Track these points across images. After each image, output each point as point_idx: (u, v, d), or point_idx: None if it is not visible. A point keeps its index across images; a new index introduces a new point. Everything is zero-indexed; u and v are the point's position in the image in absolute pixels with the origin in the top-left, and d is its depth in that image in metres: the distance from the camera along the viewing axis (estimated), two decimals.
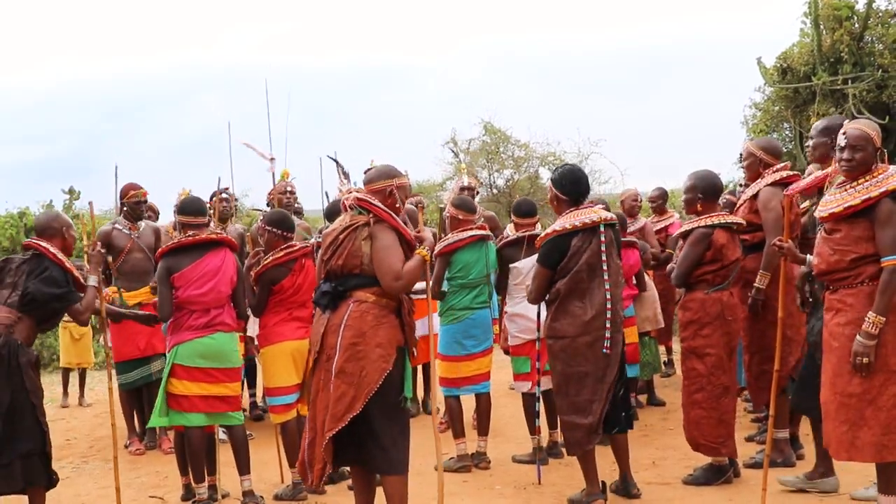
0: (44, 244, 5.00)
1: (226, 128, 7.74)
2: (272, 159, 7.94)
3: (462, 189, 8.15)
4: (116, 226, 7.39)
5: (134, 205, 7.40)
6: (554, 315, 5.05)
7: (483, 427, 6.22)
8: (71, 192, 19.56)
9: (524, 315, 6.03)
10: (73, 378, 10.16)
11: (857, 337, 4.04)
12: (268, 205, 8.53)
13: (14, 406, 4.77)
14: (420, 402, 8.02)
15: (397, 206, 4.50)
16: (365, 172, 5.08)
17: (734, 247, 5.26)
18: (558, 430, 6.19)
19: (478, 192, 8.72)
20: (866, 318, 4.01)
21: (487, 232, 6.26)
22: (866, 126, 4.19)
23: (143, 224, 7.52)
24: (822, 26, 13.51)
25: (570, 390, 4.97)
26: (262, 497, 5.57)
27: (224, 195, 7.88)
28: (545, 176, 21.53)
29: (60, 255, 5.01)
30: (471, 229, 6.13)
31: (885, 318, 3.98)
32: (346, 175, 9.10)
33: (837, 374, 4.15)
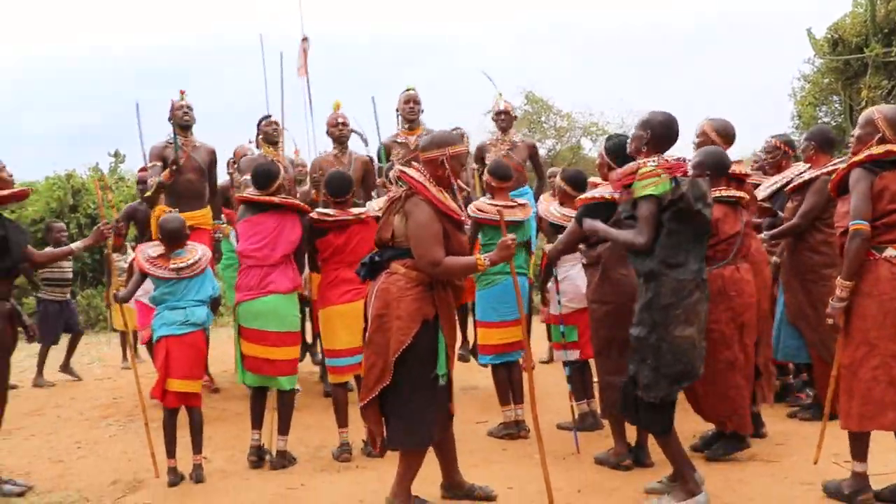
0: None
1: (267, 95, 7.82)
2: (304, 39, 7.98)
3: (498, 114, 8.18)
4: (170, 142, 7.42)
5: (178, 113, 7.42)
6: (599, 282, 5.09)
7: (518, 395, 6.23)
8: (116, 155, 19.84)
9: (574, 283, 6.00)
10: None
11: (830, 300, 4.38)
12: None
13: None
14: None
15: (448, 176, 4.45)
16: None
17: (733, 220, 5.17)
18: (595, 399, 6.23)
19: (515, 117, 8.72)
20: (836, 283, 4.33)
21: (522, 217, 6.19)
22: (874, 108, 4.42)
23: (198, 141, 7.58)
24: None
25: (613, 353, 5.02)
26: (294, 458, 5.72)
27: (272, 119, 8.01)
28: (587, 146, 21.43)
29: None
30: (509, 207, 6.08)
31: (850, 283, 4.25)
32: (366, 140, 9.19)
33: (837, 346, 4.48)
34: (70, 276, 9.61)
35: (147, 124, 7.44)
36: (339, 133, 7.74)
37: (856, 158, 4.29)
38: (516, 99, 22.01)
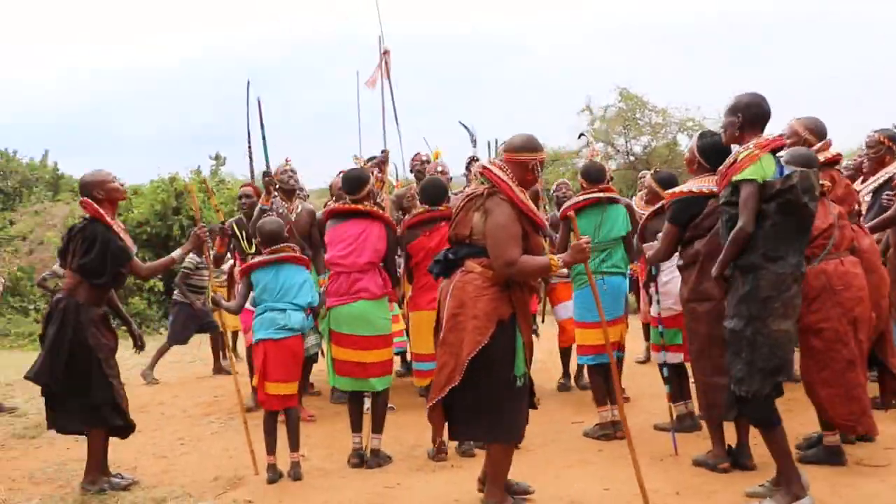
0: (94, 205, 5.26)
1: (358, 96, 7.82)
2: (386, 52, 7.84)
3: None
4: (275, 208, 7.19)
5: (283, 177, 7.28)
6: (698, 278, 4.98)
7: (611, 396, 6.15)
8: (217, 157, 20.41)
9: (678, 285, 5.86)
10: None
11: None
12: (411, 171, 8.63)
13: (78, 360, 5.16)
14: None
15: (533, 180, 4.47)
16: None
17: (824, 214, 4.93)
18: (692, 400, 6.11)
19: (612, 178, 8.62)
20: None
21: (609, 194, 6.17)
22: None
23: (300, 206, 7.39)
24: None
25: (714, 352, 4.87)
26: (389, 457, 5.73)
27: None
28: (683, 143, 21.00)
29: (107, 218, 5.25)
30: (590, 192, 6.14)
31: None
32: (475, 141, 9.11)
33: None
34: (206, 283, 9.97)
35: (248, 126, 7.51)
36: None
37: None
38: (610, 96, 21.76)
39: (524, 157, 4.40)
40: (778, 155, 4.44)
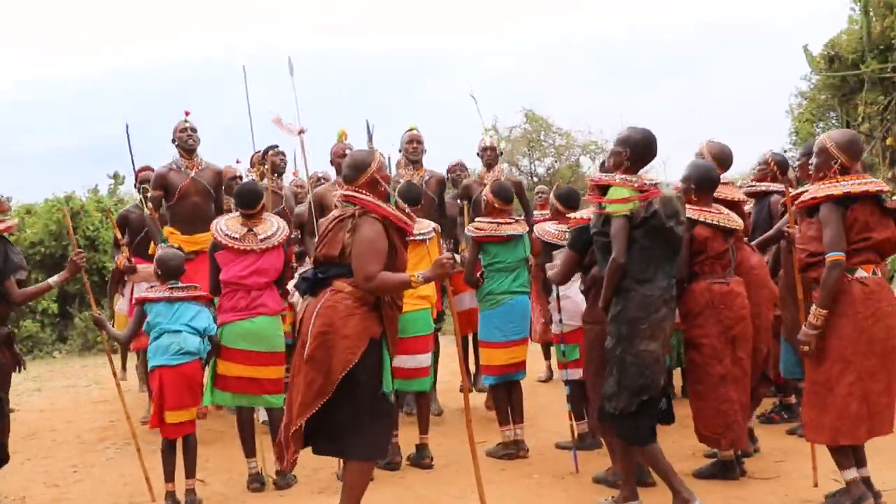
0: None
1: (268, 113, 7.62)
2: (301, 132, 7.65)
3: (484, 150, 8.05)
4: (174, 165, 7.24)
5: (182, 136, 7.23)
6: (593, 301, 5.10)
7: (518, 415, 6.20)
8: (115, 176, 19.84)
9: (574, 301, 5.87)
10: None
11: (802, 326, 4.48)
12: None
13: None
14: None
15: (386, 190, 4.45)
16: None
17: (721, 240, 5.12)
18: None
19: (501, 153, 8.63)
20: (811, 310, 4.40)
21: (522, 231, 6.19)
22: (825, 136, 4.56)
23: (203, 163, 7.35)
24: (871, 13, 13.26)
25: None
26: (294, 476, 5.66)
27: (278, 149, 7.81)
28: (586, 165, 21.47)
29: None
30: (508, 223, 6.13)
31: (826, 311, 4.33)
32: (371, 137, 8.94)
33: (807, 363, 4.54)
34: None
35: (150, 144, 7.41)
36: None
37: (833, 193, 4.34)
38: (516, 117, 22.12)
39: (364, 179, 4.40)
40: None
